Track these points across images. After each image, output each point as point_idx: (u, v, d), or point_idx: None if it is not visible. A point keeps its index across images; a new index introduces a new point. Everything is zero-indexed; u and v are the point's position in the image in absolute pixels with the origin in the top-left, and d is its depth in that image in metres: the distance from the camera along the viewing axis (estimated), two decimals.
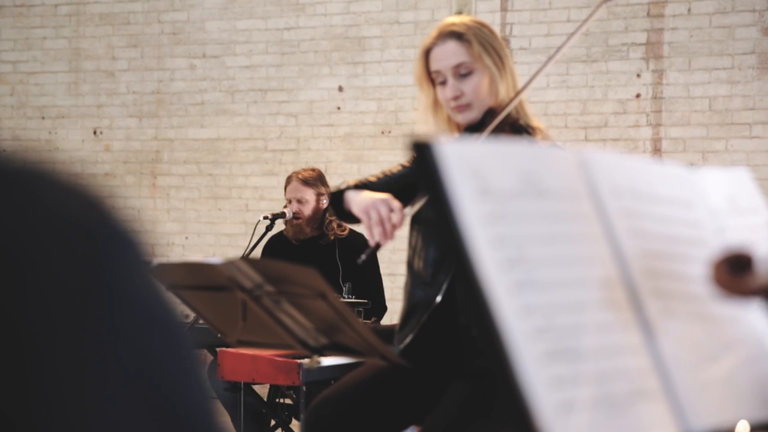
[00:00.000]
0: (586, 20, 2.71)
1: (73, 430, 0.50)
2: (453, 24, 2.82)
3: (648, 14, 6.87)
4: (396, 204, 2.61)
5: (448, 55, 2.77)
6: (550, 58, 2.73)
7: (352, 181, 2.87)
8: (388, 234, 2.60)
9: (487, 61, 2.77)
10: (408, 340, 2.81)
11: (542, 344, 1.06)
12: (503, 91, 2.77)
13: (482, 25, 2.85)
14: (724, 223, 1.35)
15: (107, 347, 0.52)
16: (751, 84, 6.66)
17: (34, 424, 0.49)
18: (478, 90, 2.76)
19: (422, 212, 2.78)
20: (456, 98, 2.76)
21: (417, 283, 2.84)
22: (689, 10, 6.78)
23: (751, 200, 1.42)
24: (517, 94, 2.72)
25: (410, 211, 2.64)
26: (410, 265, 2.87)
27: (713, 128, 6.73)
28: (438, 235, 2.78)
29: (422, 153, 1.07)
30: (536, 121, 2.83)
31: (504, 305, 1.04)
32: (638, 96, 6.88)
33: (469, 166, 1.09)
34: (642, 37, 6.87)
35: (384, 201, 2.62)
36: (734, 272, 1.21)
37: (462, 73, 2.76)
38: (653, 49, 6.85)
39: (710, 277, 1.22)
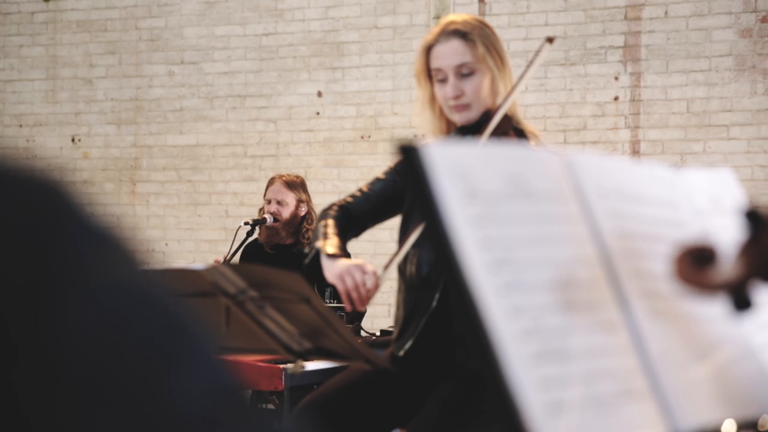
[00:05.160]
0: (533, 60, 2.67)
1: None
2: (457, 22, 2.77)
3: (625, 17, 6.90)
4: (369, 268, 2.61)
5: (452, 54, 2.74)
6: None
7: (329, 230, 2.82)
8: (363, 300, 2.59)
9: (490, 62, 2.74)
10: (408, 345, 2.81)
11: (531, 345, 1.06)
12: (503, 92, 2.74)
13: (485, 24, 2.82)
14: (709, 223, 1.36)
15: (51, 343, 0.49)
16: (728, 86, 6.70)
17: None
18: (479, 91, 2.74)
19: (414, 217, 2.77)
20: (456, 98, 2.73)
21: (410, 288, 2.83)
22: (666, 12, 6.81)
23: (735, 200, 1.43)
24: (508, 95, 2.70)
25: (384, 273, 2.63)
26: (402, 271, 2.86)
27: (691, 130, 6.77)
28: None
29: (409, 156, 1.07)
30: (529, 125, 2.83)
31: (493, 307, 1.05)
32: (616, 99, 6.91)
33: (456, 169, 1.09)
34: (619, 40, 6.90)
35: (357, 267, 2.60)
36: (697, 266, 1.16)
37: (464, 72, 2.74)
38: (631, 52, 6.88)
39: (672, 270, 1.16)
